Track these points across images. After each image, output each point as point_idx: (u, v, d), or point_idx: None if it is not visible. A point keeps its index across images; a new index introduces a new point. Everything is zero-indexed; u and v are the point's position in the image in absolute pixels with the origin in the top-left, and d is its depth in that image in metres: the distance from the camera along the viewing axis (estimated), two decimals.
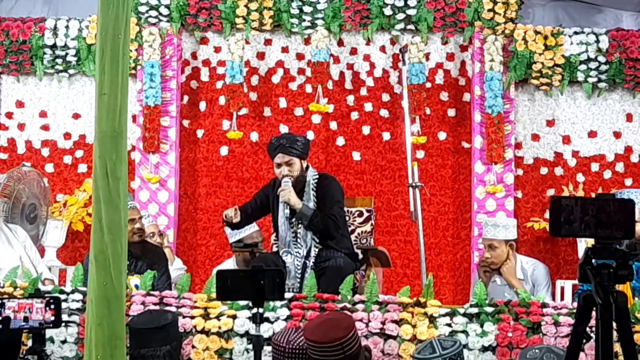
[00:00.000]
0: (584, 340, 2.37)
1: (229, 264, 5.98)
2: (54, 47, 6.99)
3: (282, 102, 7.18)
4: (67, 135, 7.21)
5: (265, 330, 4.18)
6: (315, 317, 3.93)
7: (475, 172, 6.89)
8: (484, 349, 4.18)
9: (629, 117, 7.09)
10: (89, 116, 7.11)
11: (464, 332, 4.20)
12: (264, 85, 7.20)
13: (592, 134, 7.09)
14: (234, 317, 4.27)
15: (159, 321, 3.70)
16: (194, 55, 7.23)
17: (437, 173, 7.10)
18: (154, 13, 6.98)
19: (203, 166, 7.19)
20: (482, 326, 4.23)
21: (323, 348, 3.31)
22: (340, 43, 7.14)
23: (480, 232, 6.81)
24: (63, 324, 3.85)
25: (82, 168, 7.15)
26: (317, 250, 4.89)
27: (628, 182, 7.00)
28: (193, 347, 4.23)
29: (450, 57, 7.13)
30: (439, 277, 6.89)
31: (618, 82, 6.96)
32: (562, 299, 6.35)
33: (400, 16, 6.95)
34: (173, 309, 4.30)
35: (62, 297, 4.19)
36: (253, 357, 3.41)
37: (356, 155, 7.12)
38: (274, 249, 5.18)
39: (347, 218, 5.31)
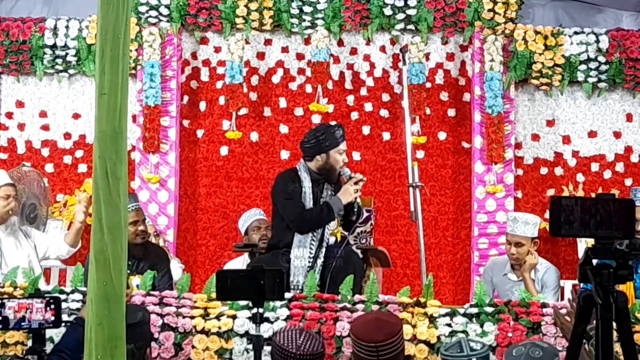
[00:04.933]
0: (584, 340, 2.37)
1: (236, 263, 5.92)
2: (54, 47, 6.98)
3: (282, 102, 7.17)
4: (67, 135, 7.20)
5: (265, 330, 4.17)
6: (367, 314, 3.96)
7: (475, 172, 6.89)
8: None
9: (629, 117, 7.09)
10: (89, 116, 7.11)
11: (464, 332, 4.20)
12: (264, 85, 7.20)
13: (592, 134, 7.09)
14: (234, 317, 4.27)
15: (127, 319, 3.66)
16: (194, 55, 7.22)
17: (437, 173, 7.10)
18: (154, 13, 6.97)
19: (203, 166, 7.18)
20: (482, 326, 4.23)
21: (363, 346, 3.23)
22: (340, 43, 7.14)
23: (481, 232, 6.84)
24: (63, 324, 3.84)
25: (82, 168, 7.15)
26: (325, 249, 4.90)
27: (628, 182, 7.00)
28: (193, 347, 4.23)
29: (450, 57, 7.13)
30: (439, 277, 6.89)
31: (618, 82, 6.95)
32: (562, 299, 6.35)
33: (400, 16, 6.95)
34: (173, 309, 4.30)
35: (62, 297, 4.19)
36: (253, 357, 3.41)
37: (356, 155, 7.12)
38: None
39: None
